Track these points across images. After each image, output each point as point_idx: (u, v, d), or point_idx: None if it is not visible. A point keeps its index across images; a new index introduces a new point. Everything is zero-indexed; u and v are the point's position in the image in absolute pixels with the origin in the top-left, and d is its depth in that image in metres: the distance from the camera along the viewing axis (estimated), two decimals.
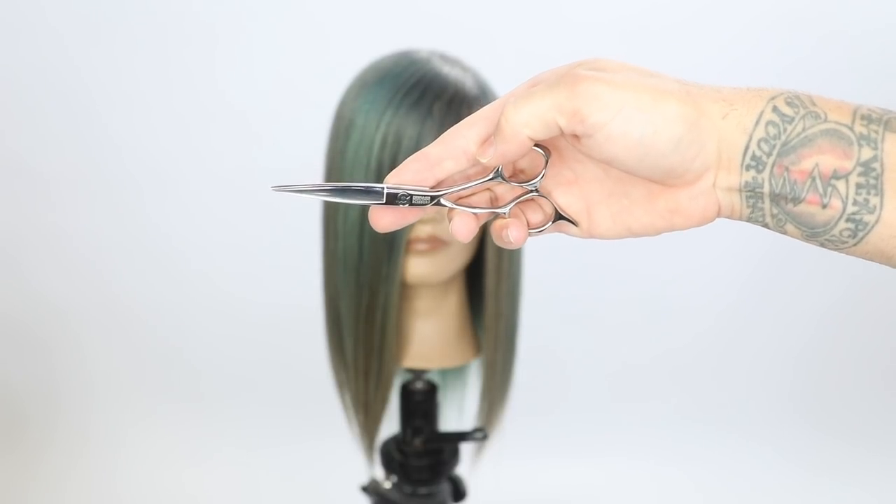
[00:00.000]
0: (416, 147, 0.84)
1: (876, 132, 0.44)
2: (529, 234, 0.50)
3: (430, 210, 0.49)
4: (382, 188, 0.47)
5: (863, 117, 0.44)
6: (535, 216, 0.51)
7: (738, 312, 1.72)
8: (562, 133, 0.45)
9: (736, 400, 1.75)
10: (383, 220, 0.49)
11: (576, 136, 0.45)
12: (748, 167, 0.45)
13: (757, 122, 0.45)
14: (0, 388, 1.75)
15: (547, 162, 0.49)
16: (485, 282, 0.96)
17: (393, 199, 0.47)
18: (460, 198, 0.50)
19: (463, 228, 0.49)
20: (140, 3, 1.59)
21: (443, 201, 0.49)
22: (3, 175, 1.68)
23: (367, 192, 0.48)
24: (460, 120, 0.93)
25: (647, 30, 1.56)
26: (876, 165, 0.44)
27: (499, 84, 0.98)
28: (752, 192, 0.46)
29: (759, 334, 1.74)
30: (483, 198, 0.51)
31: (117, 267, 1.72)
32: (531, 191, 0.50)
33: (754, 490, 1.68)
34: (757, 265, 1.68)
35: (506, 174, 0.49)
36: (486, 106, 0.49)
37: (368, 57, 0.96)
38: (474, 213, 0.49)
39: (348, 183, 0.50)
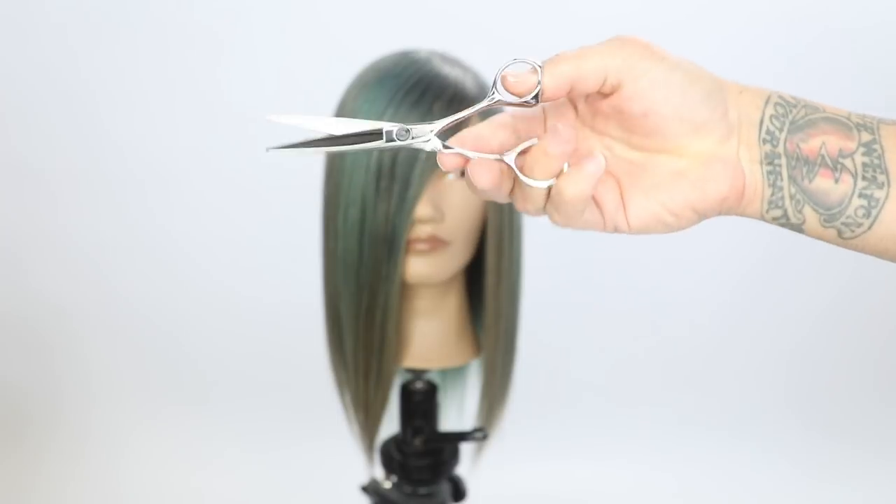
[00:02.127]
0: None
1: (871, 122, 0.49)
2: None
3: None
4: (381, 127, 0.49)
5: (855, 114, 0.50)
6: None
7: (731, 313, 1.72)
8: (604, 86, 0.48)
9: (731, 401, 1.75)
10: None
11: (617, 92, 0.48)
12: (764, 141, 0.49)
13: (766, 102, 0.49)
14: (1, 388, 1.75)
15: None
16: (485, 282, 0.96)
17: (391, 137, 0.49)
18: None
19: (483, 175, 0.48)
20: (142, 3, 1.59)
21: (448, 145, 0.48)
22: (6, 174, 1.68)
23: (366, 134, 0.49)
24: None
25: (647, 27, 1.54)
26: (876, 147, 0.48)
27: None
28: (771, 165, 0.49)
29: (753, 334, 1.74)
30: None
31: (119, 266, 1.73)
32: (531, 103, 0.49)
33: (747, 490, 1.68)
34: (752, 265, 1.68)
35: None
36: (515, 116, 0.51)
37: (370, 57, 0.96)
38: (481, 158, 0.48)
39: (344, 127, 0.49)
